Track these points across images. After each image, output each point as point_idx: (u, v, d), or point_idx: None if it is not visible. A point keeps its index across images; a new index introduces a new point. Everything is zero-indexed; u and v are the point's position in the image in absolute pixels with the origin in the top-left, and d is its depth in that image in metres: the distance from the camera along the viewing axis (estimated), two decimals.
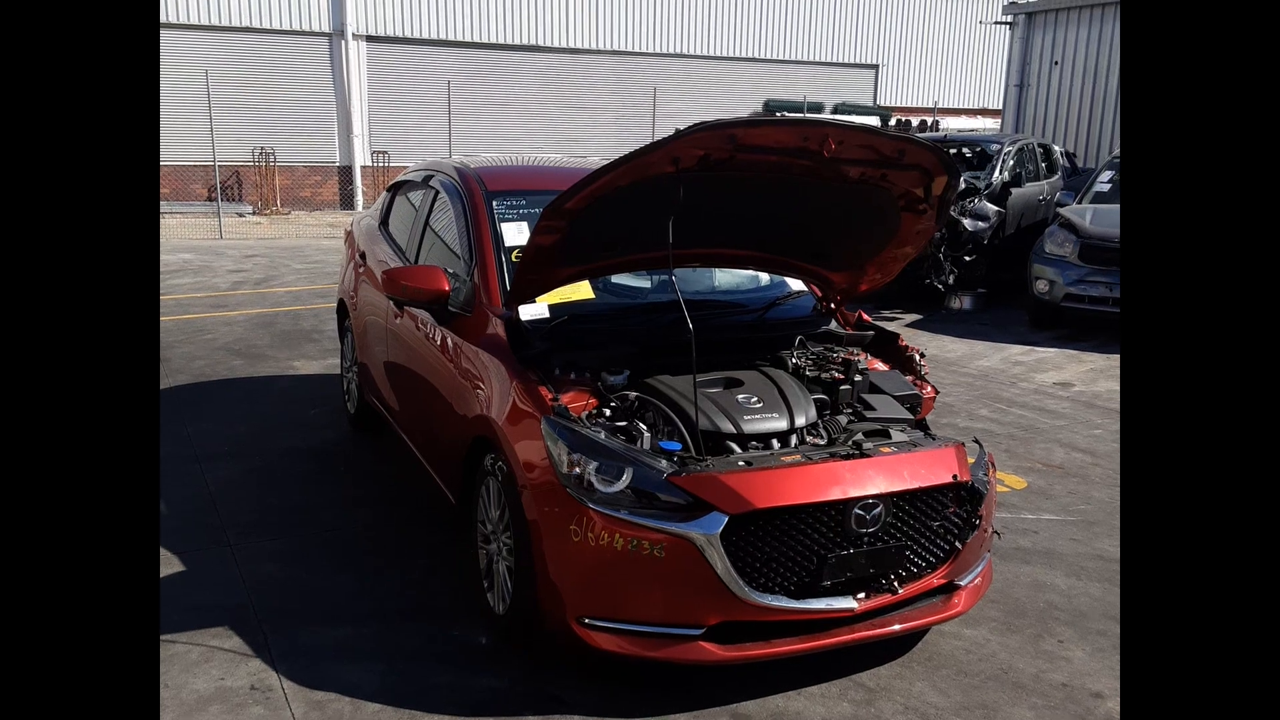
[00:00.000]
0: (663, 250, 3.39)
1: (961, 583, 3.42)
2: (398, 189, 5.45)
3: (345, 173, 19.98)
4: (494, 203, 4.19)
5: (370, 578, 3.92)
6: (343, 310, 5.94)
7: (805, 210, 3.65)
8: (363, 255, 5.44)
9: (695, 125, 2.93)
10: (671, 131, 3.06)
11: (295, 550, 4.15)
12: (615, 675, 3.20)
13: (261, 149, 19.12)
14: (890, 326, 9.59)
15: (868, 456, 3.17)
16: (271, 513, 4.54)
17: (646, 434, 3.22)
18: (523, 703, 3.10)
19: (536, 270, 3.44)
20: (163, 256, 12.78)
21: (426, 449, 4.33)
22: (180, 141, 17.84)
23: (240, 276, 11.52)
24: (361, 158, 19.92)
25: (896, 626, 3.25)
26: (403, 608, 3.68)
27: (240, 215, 18.46)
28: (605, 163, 3.09)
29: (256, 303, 9.86)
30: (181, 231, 15.91)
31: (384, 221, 5.43)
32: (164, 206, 18.17)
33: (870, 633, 3.19)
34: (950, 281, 9.92)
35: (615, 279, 4.08)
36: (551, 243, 3.30)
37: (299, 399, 6.43)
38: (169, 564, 3.98)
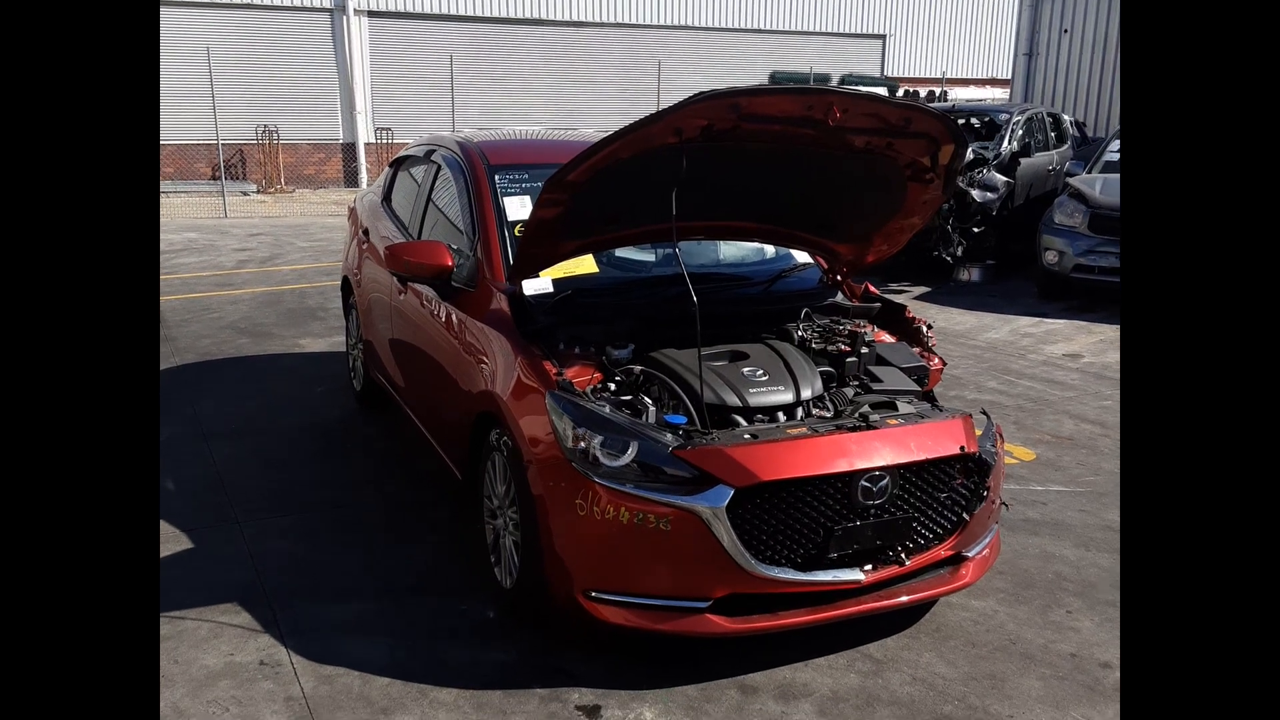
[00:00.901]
0: (666, 223, 3.36)
1: (969, 554, 3.41)
2: (400, 164, 5.41)
3: (349, 150, 19.92)
4: (496, 177, 4.15)
5: (378, 554, 3.92)
6: (347, 287, 5.92)
7: (810, 181, 3.61)
8: (366, 232, 5.41)
9: (698, 94, 2.89)
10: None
11: (302, 527, 4.16)
12: (622, 648, 3.20)
13: (265, 127, 19.07)
14: (898, 299, 9.55)
15: (874, 428, 3.15)
16: (278, 490, 4.55)
17: (651, 408, 3.21)
18: (531, 675, 3.10)
19: (539, 244, 3.42)
20: (167, 236, 12.79)
21: (432, 425, 4.33)
22: (183, 120, 17.78)
23: (245, 255, 11.51)
24: (365, 134, 19.85)
25: (904, 598, 3.24)
26: (410, 583, 3.69)
27: (244, 194, 18.43)
28: (607, 135, 3.05)
29: (262, 281, 9.85)
30: (186, 210, 15.90)
31: (387, 197, 5.40)
32: (168, 186, 18.16)
33: (877, 604, 3.19)
34: (958, 253, 9.86)
35: (618, 252, 4.05)
36: (554, 216, 3.27)
37: (305, 377, 6.43)
38: (177, 541, 3.99)
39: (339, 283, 6.29)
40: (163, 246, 11.81)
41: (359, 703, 2.95)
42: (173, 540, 4.00)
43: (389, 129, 19.87)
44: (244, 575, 3.73)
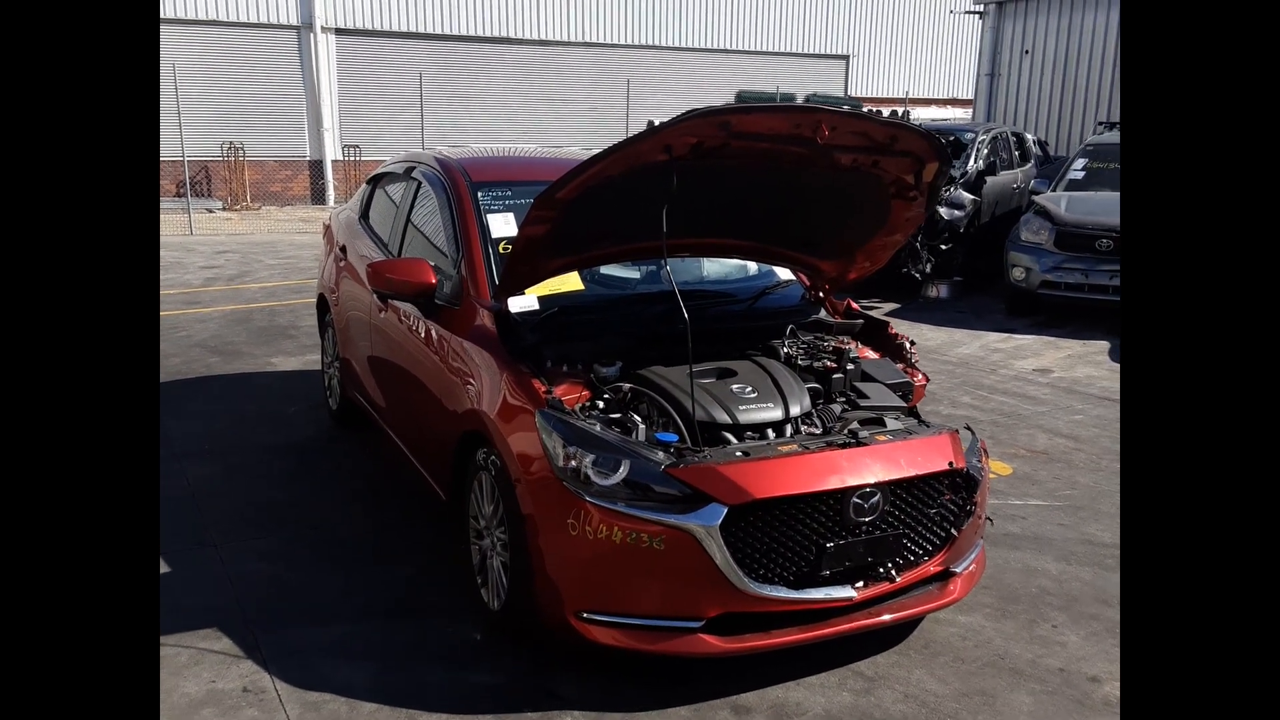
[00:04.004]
0: (655, 240, 3.36)
1: (957, 569, 3.42)
2: (378, 181, 5.37)
3: (316, 167, 19.75)
4: (479, 194, 4.13)
5: (359, 575, 3.86)
6: (323, 305, 5.85)
7: (796, 198, 3.63)
8: (343, 249, 5.36)
9: (688, 112, 2.90)
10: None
11: (281, 549, 4.08)
12: (613, 669, 3.17)
13: (231, 144, 18.85)
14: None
15: (864, 445, 3.16)
16: (255, 511, 4.47)
17: (641, 426, 3.19)
18: (520, 699, 3.06)
19: (526, 261, 3.40)
20: None
21: (414, 445, 4.28)
22: None
23: (213, 273, 11.35)
24: (332, 152, 19.69)
25: (893, 615, 3.24)
26: (393, 606, 3.63)
27: (210, 211, 18.19)
28: (592, 152, 3.04)
29: (231, 299, 9.72)
30: None
31: (364, 215, 5.35)
32: None
33: (868, 621, 3.18)
34: (927, 270, 9.96)
35: (604, 270, 4.04)
36: (542, 233, 3.25)
37: (278, 395, 6.34)
38: None
39: (311, 301, 6.24)
40: None
41: None
42: None
43: (357, 146, 19.73)
44: (223, 599, 3.65)
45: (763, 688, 3.16)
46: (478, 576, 3.56)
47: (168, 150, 16.95)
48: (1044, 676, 3.29)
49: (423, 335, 4.00)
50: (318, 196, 19.74)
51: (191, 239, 14.47)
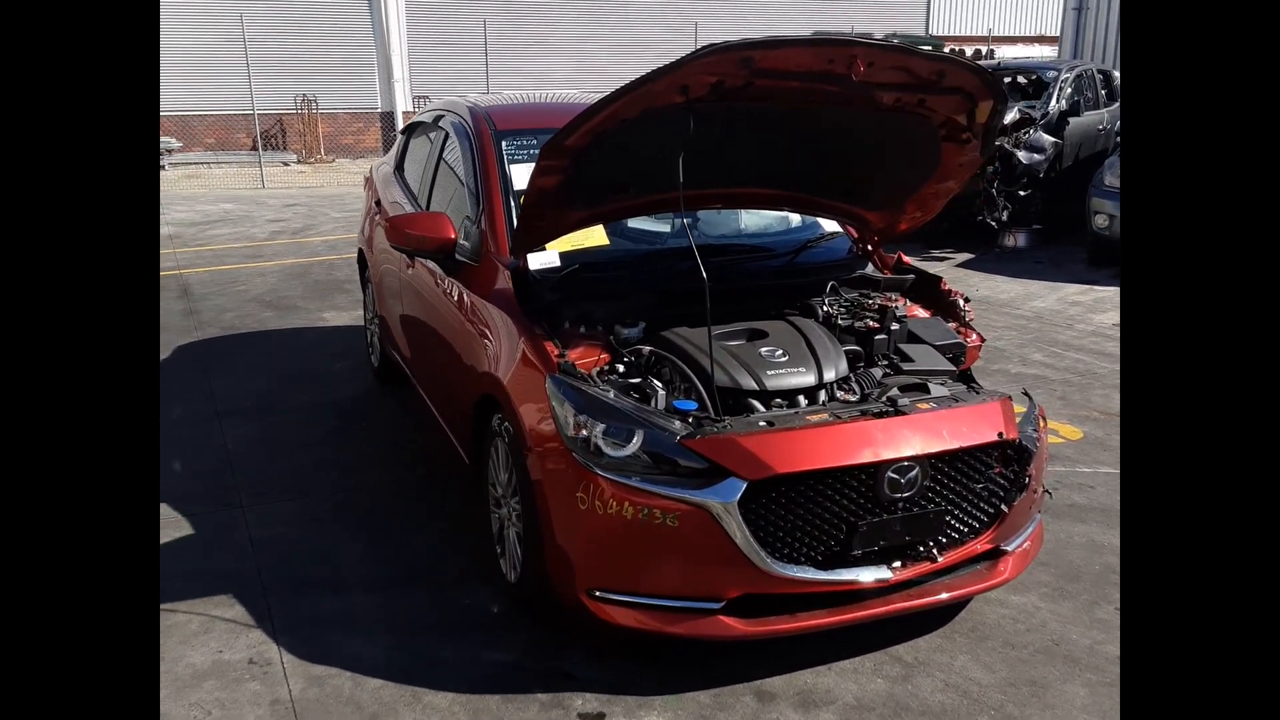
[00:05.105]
0: (678, 191, 3.11)
1: (1008, 548, 3.14)
2: (412, 131, 5.20)
3: (387, 118, 19.74)
4: (504, 143, 3.92)
5: (382, 541, 3.75)
6: (363, 260, 5.74)
7: (836, 143, 3.34)
8: (378, 203, 5.22)
9: (705, 47, 2.62)
10: None
11: (308, 513, 4.00)
12: (632, 649, 2.99)
13: (303, 96, 18.93)
14: (940, 267, 9.23)
15: (903, 414, 2.89)
16: (288, 473, 4.40)
17: (661, 392, 2.97)
18: (532, 679, 2.91)
19: (541, 215, 3.18)
20: (204, 207, 12.74)
21: (441, 406, 4.14)
22: (222, 91, 17.71)
23: (279, 226, 11.41)
24: (403, 103, 19.63)
25: (937, 597, 2.99)
26: (414, 574, 3.51)
27: (285, 164, 18.35)
28: (605, 95, 2.80)
29: (293, 252, 9.74)
30: (226, 181, 15.86)
31: (399, 166, 5.20)
32: (209, 157, 18.17)
33: (907, 604, 2.94)
34: (1004, 218, 9.43)
35: (632, 223, 3.80)
36: (555, 184, 3.03)
37: (326, 352, 6.28)
38: (178, 527, 3.85)
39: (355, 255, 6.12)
40: (197, 218, 11.76)
41: (348, 707, 2.78)
42: (174, 526, 3.86)
43: (426, 96, 19.62)
44: (243, 564, 3.58)
45: (790, 671, 2.96)
46: (497, 546, 3.41)
47: (244, 104, 17.08)
48: (1102, 666, 3.01)
49: (445, 294, 3.83)
50: (389, 148, 19.71)
51: (263, 192, 14.58)
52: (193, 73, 17.82)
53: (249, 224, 11.56)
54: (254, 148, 17.45)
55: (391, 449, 4.69)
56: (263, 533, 3.82)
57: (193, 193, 14.20)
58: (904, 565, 2.91)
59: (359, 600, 3.34)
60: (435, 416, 4.26)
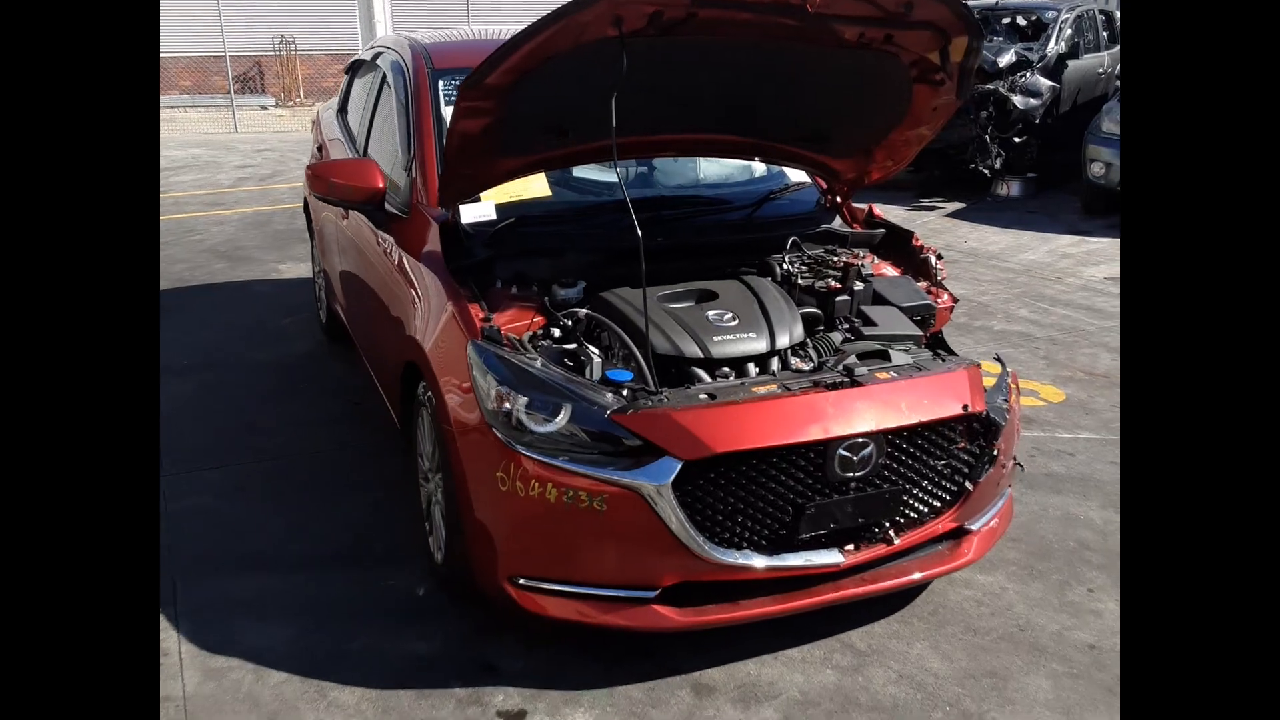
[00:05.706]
0: (625, 136, 2.81)
1: (973, 527, 2.90)
2: (355, 70, 4.85)
3: None
4: (440, 82, 3.59)
5: (310, 514, 3.50)
6: (309, 210, 5.42)
7: (796, 85, 3.03)
8: (319, 148, 4.89)
9: None
10: None
11: (234, 482, 3.74)
12: (562, 638, 2.75)
13: (281, 37, 18.36)
14: (929, 216, 8.90)
15: (859, 385, 2.62)
16: (220, 437, 4.13)
17: (597, 361, 2.69)
18: (450, 671, 2.68)
19: (467, 163, 2.88)
20: (171, 153, 12.34)
21: (377, 370, 3.87)
22: (198, 31, 17.11)
23: (245, 172, 11.04)
24: None
25: (895, 581, 2.76)
26: (339, 552, 3.27)
27: (263, 108, 17.86)
28: (527, 27, 2.48)
29: (256, 200, 9.39)
30: (200, 125, 15.44)
31: (341, 108, 4.86)
32: (184, 100, 17.65)
33: (860, 590, 2.71)
34: (997, 165, 9.10)
35: (578, 173, 3.50)
36: (480, 128, 2.72)
37: (276, 306, 5.99)
38: None
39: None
40: (163, 164, 11.36)
41: (245, 704, 2.55)
42: None
43: None
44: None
45: (733, 662, 2.73)
46: (425, 523, 3.17)
47: (215, 45, 16.54)
48: (1069, 655, 2.79)
49: (376, 248, 3.54)
50: None
51: (235, 137, 14.18)
52: (166, 12, 17.23)
53: (215, 170, 11.20)
54: (226, 91, 16.95)
55: (332, 411, 4.42)
56: (184, 504, 3.57)
57: (163, 138, 13.76)
58: (857, 548, 2.67)
59: (274, 582, 3.09)
60: (373, 377, 3.99)
